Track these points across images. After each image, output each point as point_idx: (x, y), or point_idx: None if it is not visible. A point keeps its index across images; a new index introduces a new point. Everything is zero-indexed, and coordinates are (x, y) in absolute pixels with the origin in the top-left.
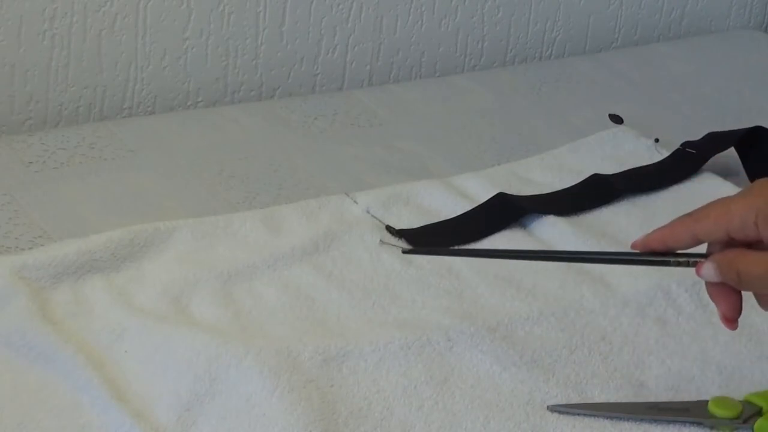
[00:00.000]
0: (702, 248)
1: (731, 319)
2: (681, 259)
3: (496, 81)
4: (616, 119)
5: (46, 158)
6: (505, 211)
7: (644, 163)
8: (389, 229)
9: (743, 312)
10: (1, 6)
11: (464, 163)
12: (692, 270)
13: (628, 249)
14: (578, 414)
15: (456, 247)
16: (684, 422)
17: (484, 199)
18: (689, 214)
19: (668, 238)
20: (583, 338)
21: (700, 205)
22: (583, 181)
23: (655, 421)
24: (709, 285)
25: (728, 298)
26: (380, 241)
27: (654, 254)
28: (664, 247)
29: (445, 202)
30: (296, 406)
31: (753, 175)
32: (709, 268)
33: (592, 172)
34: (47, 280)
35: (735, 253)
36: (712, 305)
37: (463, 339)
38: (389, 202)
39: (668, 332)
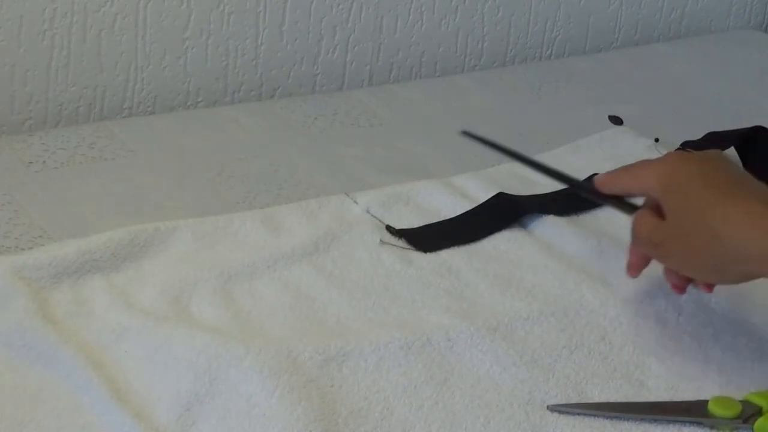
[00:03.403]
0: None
1: (633, 267)
2: (618, 204)
3: (496, 81)
4: (616, 120)
5: (46, 158)
6: (505, 211)
7: None
8: (389, 229)
9: (743, 312)
10: (1, 6)
11: (464, 163)
12: None
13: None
14: (578, 414)
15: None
16: (684, 422)
17: (484, 199)
18: (626, 166)
19: (610, 184)
20: (583, 338)
21: None
22: (583, 181)
23: (655, 421)
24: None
25: (639, 253)
26: (380, 241)
27: (601, 194)
28: (608, 191)
29: (445, 202)
30: (296, 406)
31: (753, 175)
32: (631, 221)
33: (592, 172)
34: (47, 280)
35: (641, 214)
36: (712, 305)
37: (463, 339)
38: (389, 202)
39: (668, 332)
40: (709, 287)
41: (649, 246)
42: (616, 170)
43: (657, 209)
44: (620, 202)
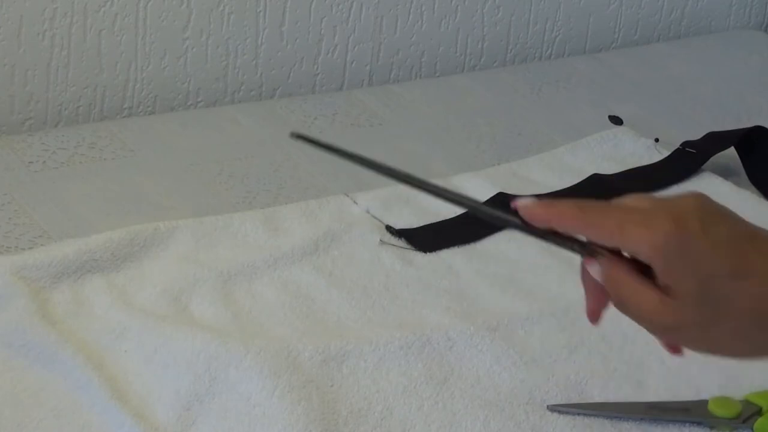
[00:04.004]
0: None
1: (594, 313)
2: (563, 242)
3: (496, 81)
4: (616, 120)
5: (46, 158)
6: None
7: (644, 163)
8: (389, 229)
9: None
10: (1, 6)
11: (464, 163)
12: None
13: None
14: (578, 414)
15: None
16: (684, 422)
17: (484, 199)
18: (582, 209)
19: (554, 220)
20: (583, 338)
21: None
22: (583, 181)
23: (655, 421)
24: (586, 273)
25: (598, 296)
26: (380, 241)
27: (535, 230)
28: (546, 226)
29: (445, 203)
30: (296, 406)
31: (753, 175)
32: (596, 270)
33: (592, 172)
34: (47, 280)
35: (624, 276)
36: None
37: (463, 339)
38: (389, 202)
39: None
40: (679, 350)
41: (658, 329)
42: (559, 206)
43: (628, 258)
44: (561, 238)
